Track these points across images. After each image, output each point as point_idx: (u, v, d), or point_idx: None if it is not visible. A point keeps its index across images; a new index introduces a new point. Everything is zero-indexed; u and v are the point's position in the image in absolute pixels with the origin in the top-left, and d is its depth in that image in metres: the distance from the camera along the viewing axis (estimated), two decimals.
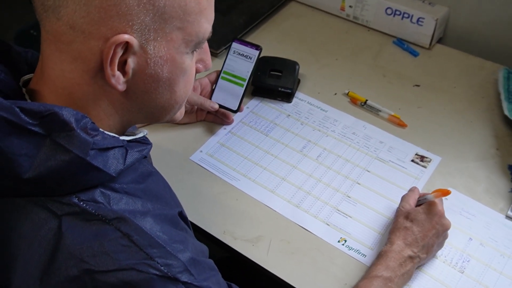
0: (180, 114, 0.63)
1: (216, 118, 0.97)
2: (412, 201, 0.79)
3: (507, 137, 0.93)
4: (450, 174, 0.88)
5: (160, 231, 0.51)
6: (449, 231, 0.77)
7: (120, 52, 0.49)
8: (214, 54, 1.11)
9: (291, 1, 1.25)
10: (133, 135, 0.58)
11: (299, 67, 1.02)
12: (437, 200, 0.76)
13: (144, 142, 0.58)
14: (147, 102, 0.55)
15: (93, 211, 0.49)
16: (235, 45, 0.97)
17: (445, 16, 1.09)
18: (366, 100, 0.99)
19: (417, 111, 0.99)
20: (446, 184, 0.87)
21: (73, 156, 0.47)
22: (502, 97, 0.96)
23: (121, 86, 0.51)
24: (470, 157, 0.91)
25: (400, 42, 1.12)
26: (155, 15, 0.49)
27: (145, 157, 0.57)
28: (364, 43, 1.14)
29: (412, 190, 0.82)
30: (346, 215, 0.83)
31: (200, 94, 0.96)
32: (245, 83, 0.95)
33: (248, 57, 0.95)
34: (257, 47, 0.96)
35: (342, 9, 1.18)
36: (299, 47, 1.14)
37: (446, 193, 0.76)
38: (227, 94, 0.95)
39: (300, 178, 0.88)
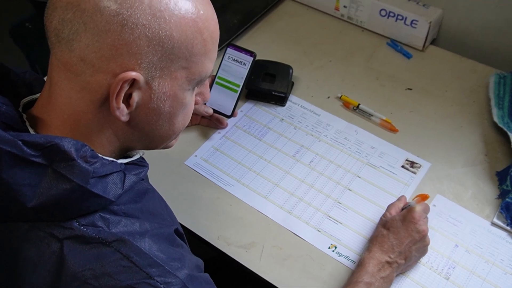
0: (175, 141, 0.66)
1: (210, 123, 0.99)
2: (394, 210, 0.81)
3: (495, 143, 0.94)
4: (439, 180, 0.90)
5: (158, 250, 0.54)
6: (435, 237, 0.80)
7: (126, 87, 0.52)
8: None
9: (285, 0, 1.25)
10: (130, 157, 0.61)
11: (292, 71, 1.02)
12: (417, 207, 0.78)
13: (141, 164, 0.61)
14: (148, 132, 0.58)
15: (94, 234, 0.51)
16: (230, 51, 0.98)
17: (438, 19, 1.10)
18: (359, 104, 1.01)
19: (409, 115, 1.00)
20: (435, 190, 0.89)
21: (74, 185, 0.50)
22: (492, 103, 0.97)
23: (124, 117, 0.54)
24: (459, 163, 0.93)
25: (394, 44, 1.13)
26: (163, 55, 0.52)
27: (142, 179, 0.59)
28: (358, 44, 1.15)
29: (398, 199, 0.84)
30: (337, 221, 0.85)
31: None
32: (239, 89, 0.96)
33: (243, 63, 0.96)
34: (251, 53, 0.97)
35: (337, 9, 1.18)
36: (293, 48, 1.14)
37: (424, 197, 0.80)
38: (221, 99, 0.96)
39: (293, 184, 0.90)
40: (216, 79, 0.98)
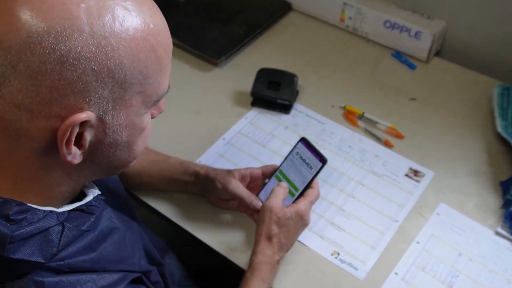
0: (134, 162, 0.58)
1: (254, 216, 0.85)
2: (281, 201, 0.78)
3: (499, 153, 0.95)
4: (442, 189, 0.90)
5: None
6: (438, 246, 0.80)
7: (76, 130, 0.45)
8: (213, 63, 1.13)
9: (291, 11, 1.27)
10: (77, 198, 0.54)
11: (297, 80, 1.03)
12: (304, 201, 0.79)
13: (89, 211, 0.54)
14: (104, 164, 0.52)
15: None
16: (300, 147, 0.85)
17: (442, 31, 1.11)
18: (363, 113, 1.01)
19: (412, 125, 1.01)
20: (438, 199, 0.89)
21: None
22: (496, 113, 0.98)
23: (78, 160, 0.48)
24: (463, 172, 0.93)
25: (398, 55, 1.14)
26: (114, 86, 0.46)
27: (88, 230, 0.52)
28: (363, 55, 1.16)
29: (281, 185, 0.80)
30: (340, 228, 0.85)
31: (248, 186, 0.85)
32: (297, 194, 0.82)
33: (310, 166, 0.82)
34: (321, 158, 0.81)
35: (342, 20, 1.20)
36: (298, 58, 1.16)
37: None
38: None
39: None
40: (277, 173, 0.86)
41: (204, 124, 1.02)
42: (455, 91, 1.07)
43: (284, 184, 0.81)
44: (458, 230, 0.85)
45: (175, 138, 0.99)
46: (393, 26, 1.13)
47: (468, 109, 1.03)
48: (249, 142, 0.99)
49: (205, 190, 0.86)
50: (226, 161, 0.95)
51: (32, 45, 0.42)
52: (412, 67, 1.12)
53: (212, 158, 0.96)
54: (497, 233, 0.84)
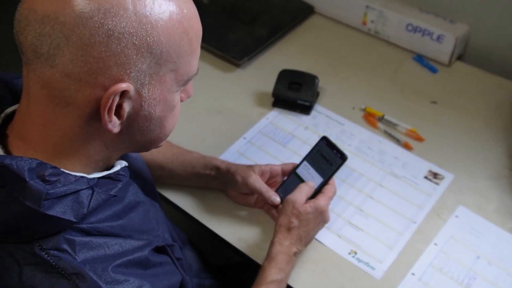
0: (164, 141, 0.63)
1: (266, 207, 0.88)
2: (305, 198, 0.81)
3: None
4: (462, 192, 0.90)
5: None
6: (456, 248, 0.80)
7: (117, 99, 0.50)
8: (236, 65, 1.15)
9: (314, 14, 1.28)
10: (108, 169, 0.58)
11: (318, 81, 1.05)
12: (325, 199, 0.81)
13: (117, 178, 0.58)
14: (138, 138, 0.57)
15: (54, 263, 0.50)
16: (322, 145, 0.87)
17: (465, 34, 1.11)
18: (384, 115, 1.02)
19: (433, 128, 1.01)
20: (457, 202, 0.89)
21: (26, 208, 0.48)
22: None
23: (116, 129, 0.53)
24: (483, 176, 0.93)
25: (420, 58, 1.14)
26: (152, 61, 0.51)
27: (115, 195, 0.56)
28: (384, 58, 1.17)
29: (307, 184, 0.83)
30: (358, 228, 0.86)
31: (267, 182, 0.87)
32: (316, 189, 0.84)
33: (330, 163, 0.85)
34: (342, 155, 0.84)
35: (364, 23, 1.21)
36: (320, 60, 1.17)
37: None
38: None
39: None
40: (296, 170, 0.88)
41: (225, 123, 1.04)
42: (477, 95, 1.07)
43: (311, 183, 0.84)
44: (477, 233, 0.85)
45: (198, 136, 1.02)
46: (415, 29, 1.13)
47: (489, 113, 1.03)
48: (270, 141, 1.00)
49: (225, 184, 0.88)
50: (246, 159, 0.97)
51: (84, 20, 0.47)
52: (433, 70, 1.12)
53: (232, 157, 0.98)
54: None
